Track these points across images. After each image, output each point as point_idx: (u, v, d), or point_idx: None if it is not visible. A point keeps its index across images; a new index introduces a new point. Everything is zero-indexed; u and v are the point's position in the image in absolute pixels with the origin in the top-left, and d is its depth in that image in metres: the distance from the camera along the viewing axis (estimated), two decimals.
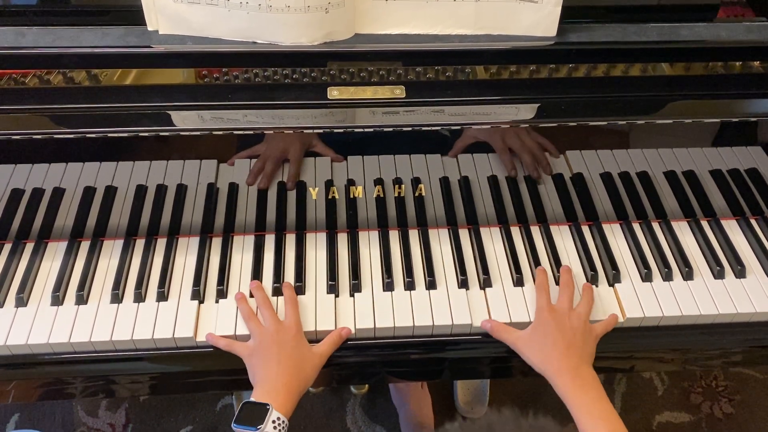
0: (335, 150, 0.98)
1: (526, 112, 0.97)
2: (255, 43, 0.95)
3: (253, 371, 0.91)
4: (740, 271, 1.04)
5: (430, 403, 1.64)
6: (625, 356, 1.05)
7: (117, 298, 0.98)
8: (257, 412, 0.83)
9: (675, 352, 1.04)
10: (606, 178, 1.06)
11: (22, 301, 0.97)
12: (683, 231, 1.11)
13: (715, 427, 1.72)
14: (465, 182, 1.04)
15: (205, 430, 1.68)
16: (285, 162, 0.99)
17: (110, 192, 1.01)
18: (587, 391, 0.88)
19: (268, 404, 0.84)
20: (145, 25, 0.96)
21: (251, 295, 0.99)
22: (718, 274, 1.04)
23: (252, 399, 0.86)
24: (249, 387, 0.95)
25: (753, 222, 1.13)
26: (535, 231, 1.09)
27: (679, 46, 1.00)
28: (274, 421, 0.83)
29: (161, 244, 1.06)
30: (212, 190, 1.02)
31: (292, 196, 1.03)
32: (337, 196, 1.04)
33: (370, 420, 1.69)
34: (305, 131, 0.94)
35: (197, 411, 1.71)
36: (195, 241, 1.06)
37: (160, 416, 1.70)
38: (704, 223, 1.12)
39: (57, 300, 0.97)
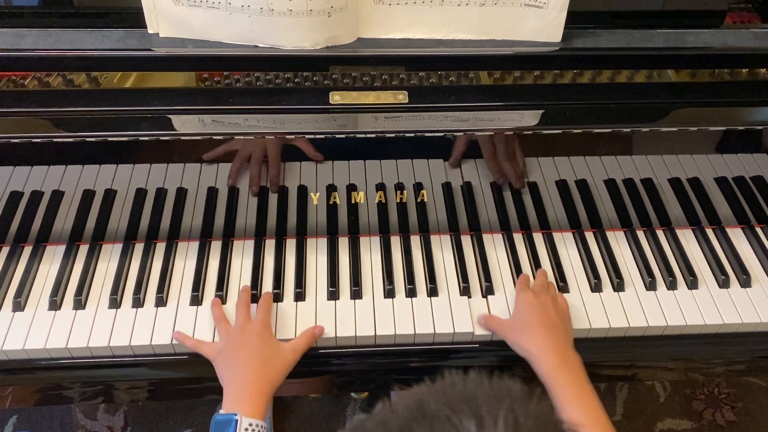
0: (337, 155, 0.97)
1: (529, 118, 0.96)
2: (256, 46, 0.94)
3: (221, 375, 0.90)
4: (745, 281, 1.03)
5: None
6: (627, 364, 1.04)
7: (115, 303, 0.97)
8: (227, 425, 0.81)
9: (678, 362, 1.03)
10: (610, 184, 1.05)
11: (19, 306, 0.96)
12: (688, 239, 1.10)
13: None
14: (467, 188, 1.03)
15: None
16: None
17: (109, 195, 1.00)
18: (573, 375, 0.87)
19: (235, 415, 0.82)
20: (146, 27, 0.95)
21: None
22: (723, 284, 1.03)
23: (221, 411, 0.84)
24: None
25: (759, 230, 1.11)
26: (538, 238, 1.08)
27: (685, 52, 0.99)
28: (246, 429, 0.81)
29: (160, 248, 1.05)
30: (212, 194, 1.01)
31: (293, 200, 1.02)
32: (338, 201, 1.03)
33: None
34: (306, 136, 0.93)
35: (196, 414, 1.69)
36: (194, 246, 1.05)
37: (159, 419, 1.69)
38: (709, 232, 1.11)
39: (54, 305, 0.97)
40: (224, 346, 0.91)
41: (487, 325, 0.96)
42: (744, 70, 1.01)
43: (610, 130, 0.97)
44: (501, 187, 1.03)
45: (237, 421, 0.81)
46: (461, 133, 0.94)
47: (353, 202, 1.03)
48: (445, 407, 0.48)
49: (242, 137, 0.93)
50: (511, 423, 0.47)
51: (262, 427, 0.83)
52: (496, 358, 0.98)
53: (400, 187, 1.02)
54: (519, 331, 0.93)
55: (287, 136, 0.93)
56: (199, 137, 0.92)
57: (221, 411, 0.84)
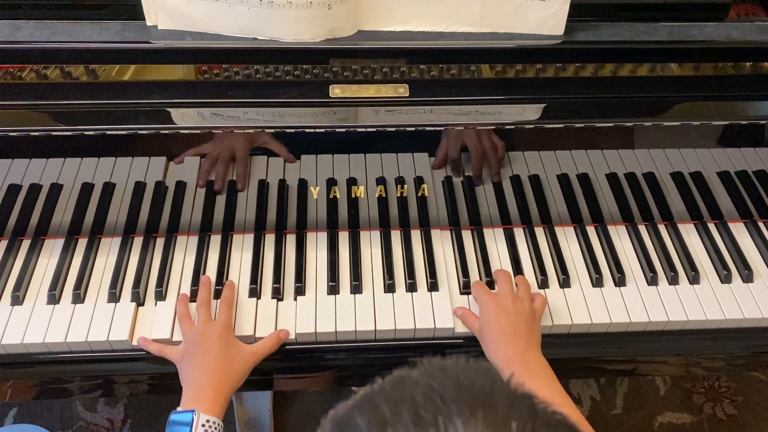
0: (337, 149, 0.97)
1: (531, 112, 0.95)
2: (256, 39, 0.93)
3: (182, 375, 0.90)
4: (747, 276, 1.03)
5: None
6: (629, 359, 1.04)
7: (114, 297, 0.97)
8: (184, 421, 0.81)
9: (679, 357, 1.03)
10: (612, 178, 1.05)
11: (17, 300, 0.96)
12: (690, 233, 1.09)
13: (717, 428, 1.71)
14: (468, 182, 1.02)
15: None
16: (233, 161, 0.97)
17: (108, 188, 0.99)
18: (536, 380, 0.83)
19: (193, 411, 0.82)
20: (144, 19, 0.94)
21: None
22: (725, 279, 1.02)
23: (179, 408, 0.84)
24: (247, 388, 0.94)
25: (761, 225, 1.11)
26: (539, 232, 1.08)
27: (688, 46, 0.98)
28: (203, 425, 0.81)
29: (160, 242, 1.04)
30: (212, 188, 1.00)
31: (293, 194, 1.02)
32: (338, 195, 1.02)
33: None
34: (306, 130, 0.92)
35: None
36: (194, 240, 1.05)
37: (159, 412, 1.69)
38: (711, 226, 1.10)
39: (53, 299, 0.96)
40: (186, 349, 0.90)
41: (463, 320, 0.95)
42: (748, 64, 1.01)
43: (612, 124, 0.96)
44: (499, 181, 1.02)
45: (195, 417, 0.81)
46: (462, 128, 0.94)
47: (353, 196, 1.02)
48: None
49: (244, 130, 0.92)
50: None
51: (219, 425, 0.83)
52: None
53: (400, 181, 1.01)
54: (483, 339, 0.91)
55: (287, 130, 0.92)
56: (198, 131, 0.91)
57: (179, 409, 0.84)
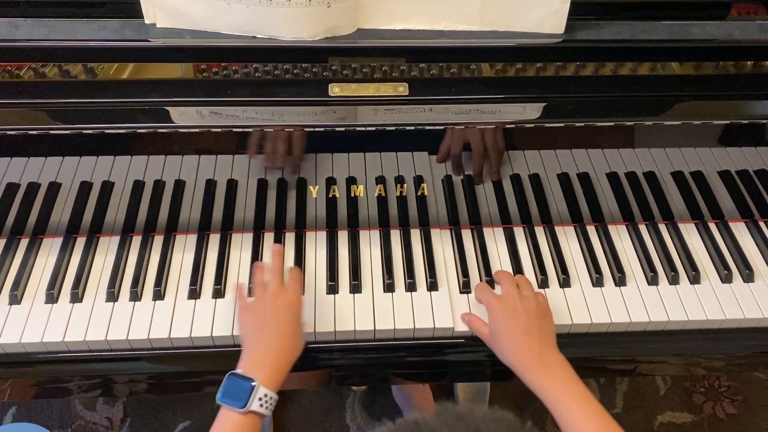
0: (337, 147, 0.96)
1: (532, 111, 0.95)
2: (255, 37, 0.92)
3: (243, 327, 0.88)
4: (748, 276, 1.02)
5: (432, 401, 1.63)
6: (629, 359, 1.03)
7: (113, 296, 0.97)
8: (243, 387, 0.78)
9: (679, 356, 1.03)
10: (612, 178, 1.04)
11: (15, 299, 0.96)
12: (690, 233, 1.09)
13: (718, 427, 1.71)
14: (468, 181, 1.02)
15: (203, 424, 1.67)
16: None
17: (107, 187, 0.99)
18: (556, 377, 0.83)
19: (254, 379, 0.79)
20: (143, 18, 0.93)
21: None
22: (726, 278, 1.02)
23: (239, 370, 0.81)
24: None
25: (762, 225, 1.10)
26: (540, 232, 1.07)
27: (689, 44, 0.98)
28: (260, 398, 0.78)
29: (158, 241, 1.04)
30: (211, 187, 1.00)
31: (292, 193, 1.01)
32: (337, 195, 1.02)
33: (369, 417, 1.68)
34: (305, 129, 0.92)
35: (195, 406, 1.70)
36: (192, 239, 1.04)
37: (158, 411, 1.69)
38: (712, 226, 1.10)
39: (51, 298, 0.96)
40: (255, 302, 0.90)
41: (470, 326, 0.94)
42: (749, 63, 1.00)
43: (612, 123, 0.95)
44: (499, 180, 1.02)
45: (257, 386, 0.78)
46: (462, 127, 0.93)
47: (353, 195, 1.02)
48: None
49: (242, 129, 0.92)
50: None
51: (274, 401, 0.80)
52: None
53: (400, 180, 1.01)
54: (496, 344, 0.90)
55: (286, 129, 0.92)
56: (196, 129, 0.91)
57: (239, 370, 0.81)
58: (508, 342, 0.88)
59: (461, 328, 0.95)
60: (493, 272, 1.00)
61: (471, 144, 0.96)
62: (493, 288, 0.97)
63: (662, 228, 1.09)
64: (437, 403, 0.48)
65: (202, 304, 0.96)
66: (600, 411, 0.80)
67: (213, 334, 0.93)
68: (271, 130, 0.92)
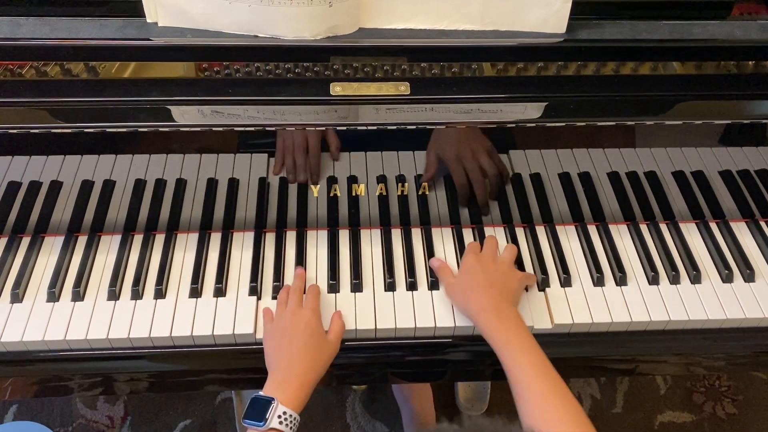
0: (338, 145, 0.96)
1: (533, 110, 0.95)
2: (256, 36, 0.92)
3: (266, 352, 0.90)
4: (749, 275, 1.02)
5: (432, 400, 1.63)
6: (629, 359, 1.03)
7: (114, 295, 0.97)
8: (263, 407, 0.81)
9: (680, 356, 1.03)
10: (613, 177, 1.04)
11: (17, 297, 0.96)
12: (691, 233, 1.09)
13: (718, 427, 1.71)
14: (468, 181, 1.02)
15: (204, 423, 1.67)
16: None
17: (108, 186, 0.99)
18: (507, 327, 0.87)
19: (273, 399, 0.82)
20: (144, 16, 0.93)
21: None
22: (726, 278, 1.02)
23: (261, 393, 0.84)
24: (247, 386, 0.94)
25: (763, 224, 1.11)
26: (540, 231, 1.08)
27: (691, 44, 0.98)
28: (279, 416, 0.81)
29: (159, 240, 1.04)
30: (212, 186, 1.00)
31: (293, 193, 1.01)
32: (339, 194, 1.02)
33: (369, 416, 1.68)
34: (307, 128, 0.92)
35: (196, 404, 1.70)
36: (194, 238, 1.04)
37: (159, 409, 1.69)
38: (713, 225, 1.10)
39: (53, 296, 0.96)
40: (274, 326, 0.91)
41: (437, 273, 0.99)
42: (750, 63, 1.00)
43: (614, 123, 0.95)
44: (498, 181, 1.02)
45: (275, 404, 0.81)
46: (463, 126, 0.93)
47: (354, 194, 1.02)
48: None
49: (244, 128, 0.92)
50: None
51: (295, 419, 0.82)
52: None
53: (401, 179, 1.01)
54: (457, 291, 0.95)
55: (287, 128, 0.92)
56: (198, 128, 0.91)
57: (261, 393, 0.84)
58: (470, 291, 0.93)
59: (461, 324, 0.95)
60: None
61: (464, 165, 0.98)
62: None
63: (663, 228, 1.09)
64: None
65: (204, 303, 0.96)
66: (543, 361, 0.84)
67: (214, 333, 0.93)
68: (272, 129, 0.92)
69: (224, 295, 0.98)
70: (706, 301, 0.99)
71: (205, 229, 1.05)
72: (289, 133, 0.93)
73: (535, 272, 1.02)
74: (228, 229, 1.05)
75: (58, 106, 0.91)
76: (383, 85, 0.94)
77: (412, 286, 0.99)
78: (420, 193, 1.03)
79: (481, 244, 1.01)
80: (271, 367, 0.88)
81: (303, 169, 0.97)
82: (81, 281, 0.97)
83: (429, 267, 1.01)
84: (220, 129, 0.91)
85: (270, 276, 1.00)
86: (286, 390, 0.83)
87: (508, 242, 1.05)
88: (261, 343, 0.93)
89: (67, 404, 1.70)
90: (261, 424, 0.80)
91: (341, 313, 0.95)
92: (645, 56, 0.99)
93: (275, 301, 0.97)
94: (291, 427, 0.82)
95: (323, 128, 0.92)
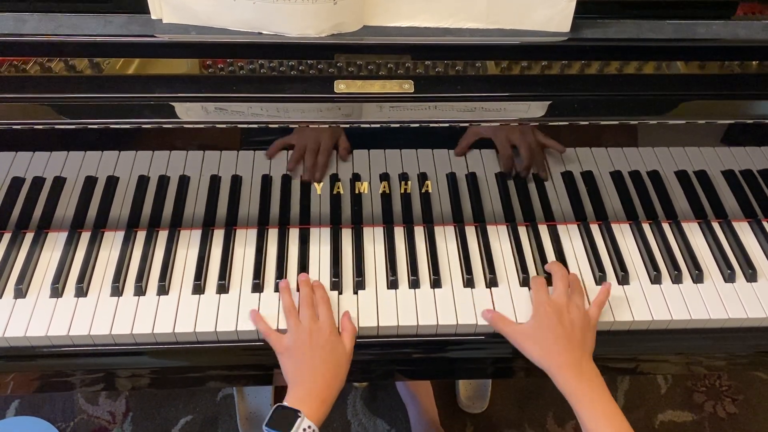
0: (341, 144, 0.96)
1: (536, 109, 0.95)
2: (261, 33, 0.93)
3: (285, 370, 0.90)
4: (751, 275, 1.02)
5: (433, 398, 1.63)
6: (631, 358, 1.04)
7: (117, 291, 0.97)
8: (288, 418, 0.82)
9: (681, 355, 1.03)
10: (616, 176, 1.04)
11: (20, 293, 0.96)
12: (694, 232, 1.09)
13: (718, 426, 1.71)
14: (472, 179, 1.02)
15: (205, 419, 1.67)
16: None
17: (112, 182, 0.99)
18: (591, 387, 0.87)
19: (299, 411, 0.82)
20: (149, 13, 0.93)
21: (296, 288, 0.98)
22: (729, 278, 1.02)
23: (285, 403, 0.84)
24: (248, 383, 0.94)
25: (765, 224, 1.11)
26: (543, 230, 1.08)
27: (694, 44, 0.98)
28: (305, 430, 0.82)
29: (162, 236, 1.04)
30: (215, 182, 1.00)
31: (296, 190, 1.02)
32: (341, 191, 1.02)
33: (370, 413, 1.69)
34: (310, 125, 0.92)
35: (198, 400, 1.70)
36: (197, 234, 1.04)
37: (161, 405, 1.69)
38: (715, 225, 1.10)
39: (56, 292, 0.96)
40: (293, 344, 0.90)
41: (494, 324, 0.94)
42: (754, 63, 1.00)
43: (617, 122, 0.95)
44: (506, 178, 1.02)
45: (301, 417, 0.82)
46: (467, 124, 0.93)
47: (357, 192, 1.02)
48: None
49: (247, 125, 0.92)
50: None
51: None
52: (498, 350, 0.97)
53: (404, 177, 1.01)
54: (533, 343, 0.91)
55: (291, 125, 0.92)
56: (202, 125, 0.91)
57: (286, 403, 0.84)
58: (550, 345, 0.90)
59: (463, 323, 0.95)
60: (496, 269, 1.00)
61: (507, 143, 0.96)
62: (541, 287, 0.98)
63: (666, 227, 1.09)
64: None
65: (206, 299, 0.97)
66: (622, 422, 0.84)
67: (217, 329, 0.93)
68: (276, 126, 0.92)
69: (227, 292, 0.98)
70: (709, 301, 0.99)
71: (208, 225, 1.05)
72: (309, 132, 0.93)
73: (536, 270, 1.02)
74: (231, 225, 1.06)
75: (62, 102, 0.91)
76: (387, 83, 0.94)
77: (414, 284, 0.99)
78: (423, 191, 1.03)
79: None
80: (290, 381, 0.89)
81: (318, 167, 0.97)
82: (84, 277, 0.98)
83: (430, 267, 1.01)
84: (224, 126, 0.91)
85: (273, 273, 1.00)
86: (309, 405, 0.84)
87: (510, 241, 1.05)
88: (263, 340, 0.93)
89: (68, 400, 1.70)
90: None
91: (350, 315, 0.94)
92: (649, 56, 0.99)
93: (276, 294, 0.97)
94: None
95: (327, 126, 0.92)
